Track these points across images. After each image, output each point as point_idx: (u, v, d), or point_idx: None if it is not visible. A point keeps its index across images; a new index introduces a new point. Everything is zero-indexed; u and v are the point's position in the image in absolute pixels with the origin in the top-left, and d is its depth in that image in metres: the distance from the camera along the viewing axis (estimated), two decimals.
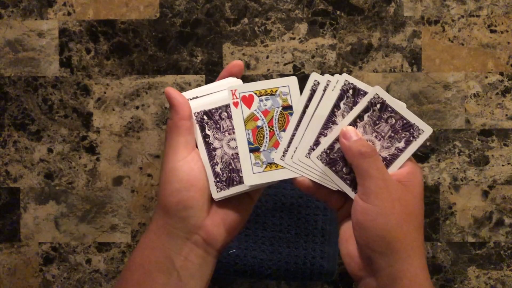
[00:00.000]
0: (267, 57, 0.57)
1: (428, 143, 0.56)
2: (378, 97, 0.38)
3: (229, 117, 0.39)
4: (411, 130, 0.38)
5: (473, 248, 0.56)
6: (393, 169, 0.38)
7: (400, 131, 0.38)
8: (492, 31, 0.56)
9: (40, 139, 0.57)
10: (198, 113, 0.39)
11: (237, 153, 0.39)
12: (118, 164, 0.57)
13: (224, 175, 0.39)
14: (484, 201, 0.56)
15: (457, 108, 0.56)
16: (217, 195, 0.39)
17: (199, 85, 0.57)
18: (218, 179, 0.39)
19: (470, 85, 0.56)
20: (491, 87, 0.56)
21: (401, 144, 0.38)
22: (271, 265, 0.52)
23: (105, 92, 0.57)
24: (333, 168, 0.38)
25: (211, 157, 0.39)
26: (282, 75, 0.57)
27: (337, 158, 0.38)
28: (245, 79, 0.57)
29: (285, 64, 0.57)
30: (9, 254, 0.57)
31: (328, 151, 0.38)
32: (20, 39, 0.57)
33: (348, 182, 0.38)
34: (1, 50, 0.57)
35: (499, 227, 0.56)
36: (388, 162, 0.38)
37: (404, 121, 0.38)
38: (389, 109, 0.38)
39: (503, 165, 0.56)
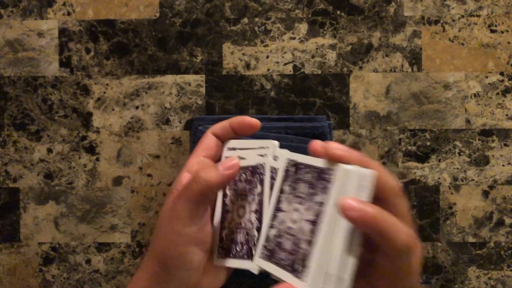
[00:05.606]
0: (267, 57, 0.57)
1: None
2: (291, 160, 0.33)
3: (247, 180, 0.34)
4: (323, 175, 0.31)
5: (474, 248, 0.56)
6: (326, 229, 0.29)
7: (315, 182, 0.31)
8: (492, 31, 0.56)
9: (39, 139, 0.57)
10: None
11: (241, 224, 0.34)
12: (118, 164, 0.57)
13: (227, 243, 0.35)
14: (484, 201, 0.56)
15: (457, 108, 0.56)
16: (216, 261, 0.35)
17: (199, 85, 0.57)
18: (221, 244, 0.35)
19: (471, 85, 0.56)
20: (491, 87, 0.56)
21: (318, 197, 0.30)
22: None
23: (104, 92, 0.57)
24: (273, 260, 0.32)
25: (223, 219, 0.35)
26: (282, 75, 0.57)
27: (275, 247, 0.32)
28: (245, 79, 0.57)
29: (285, 64, 0.57)
30: (9, 254, 0.57)
31: (266, 244, 0.33)
32: (19, 39, 0.57)
33: (288, 268, 0.31)
34: (1, 50, 0.57)
35: (500, 227, 0.56)
36: (314, 223, 0.30)
37: (317, 170, 0.31)
38: (302, 166, 0.32)
39: (503, 165, 0.56)
